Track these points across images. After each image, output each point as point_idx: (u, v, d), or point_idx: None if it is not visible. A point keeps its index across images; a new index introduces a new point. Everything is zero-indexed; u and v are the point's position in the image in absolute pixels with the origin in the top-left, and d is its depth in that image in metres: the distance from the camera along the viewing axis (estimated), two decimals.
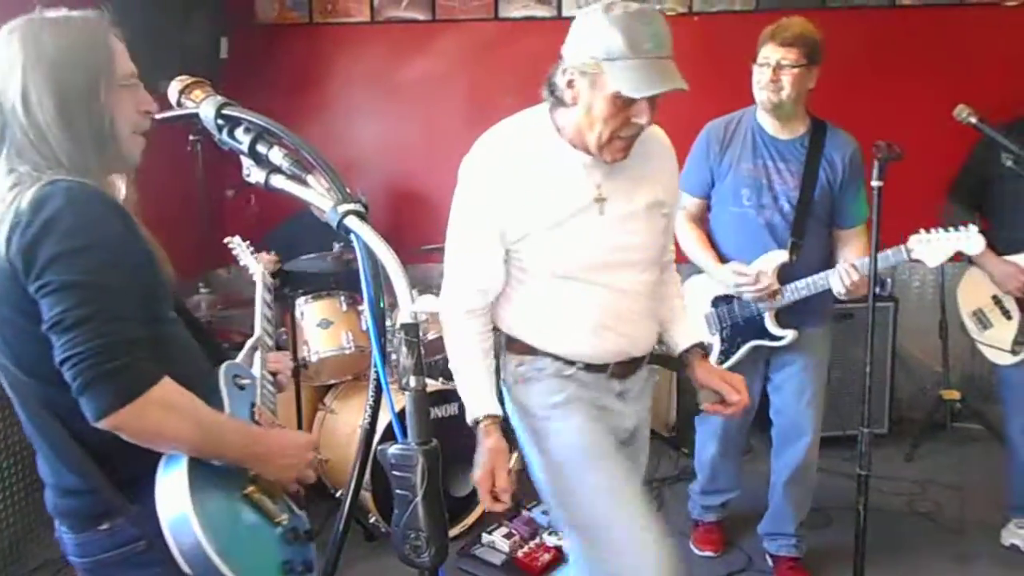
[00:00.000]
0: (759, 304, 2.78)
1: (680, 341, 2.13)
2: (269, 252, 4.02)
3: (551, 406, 1.98)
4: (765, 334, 2.81)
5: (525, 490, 3.61)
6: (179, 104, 1.10)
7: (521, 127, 1.95)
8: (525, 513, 3.41)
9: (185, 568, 1.27)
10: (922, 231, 2.56)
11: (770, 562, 3.10)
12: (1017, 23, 4.37)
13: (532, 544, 3.21)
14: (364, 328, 3.58)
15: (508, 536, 3.21)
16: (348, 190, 0.98)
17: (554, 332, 1.98)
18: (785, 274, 2.73)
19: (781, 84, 2.61)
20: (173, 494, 1.31)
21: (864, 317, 2.37)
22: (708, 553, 3.22)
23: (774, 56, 2.60)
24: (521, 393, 2.04)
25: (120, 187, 1.50)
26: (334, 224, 0.93)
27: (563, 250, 1.88)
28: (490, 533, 3.24)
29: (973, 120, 2.47)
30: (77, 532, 1.40)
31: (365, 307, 0.90)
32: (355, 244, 0.92)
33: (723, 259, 2.84)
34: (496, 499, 1.87)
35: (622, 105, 1.74)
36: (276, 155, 1.01)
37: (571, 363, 1.98)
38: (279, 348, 1.97)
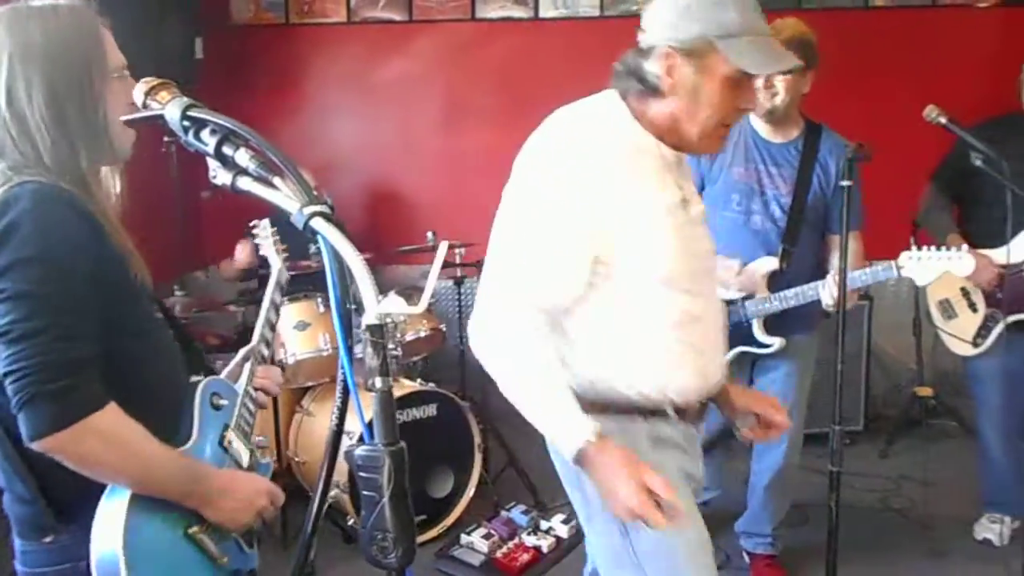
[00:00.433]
0: (748, 311, 2.76)
1: None
2: (243, 243, 4.00)
3: None
4: (752, 341, 2.79)
5: (502, 491, 3.64)
6: (145, 106, 1.09)
7: (600, 116, 1.66)
8: (504, 513, 3.41)
9: None
10: (913, 248, 2.60)
11: (747, 559, 3.12)
12: (989, 24, 4.44)
13: (511, 544, 3.21)
14: None
15: (487, 537, 3.21)
16: (315, 192, 0.97)
17: (642, 362, 1.64)
18: (776, 281, 2.71)
19: (775, 90, 2.59)
20: (107, 529, 1.26)
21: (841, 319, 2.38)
22: None
23: None
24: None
25: (113, 180, 1.46)
26: (300, 226, 0.93)
27: (662, 253, 1.60)
28: (469, 534, 3.24)
29: (943, 120, 2.49)
30: (23, 539, 1.36)
31: (332, 308, 0.90)
32: (321, 246, 0.92)
33: None
34: (661, 508, 1.45)
35: (733, 88, 1.56)
36: (242, 157, 1.00)
37: (661, 413, 1.65)
38: (273, 360, 1.88)
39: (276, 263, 2.17)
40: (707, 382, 1.71)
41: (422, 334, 3.75)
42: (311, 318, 3.56)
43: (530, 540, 3.23)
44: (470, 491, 3.50)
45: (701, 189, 2.81)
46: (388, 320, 0.84)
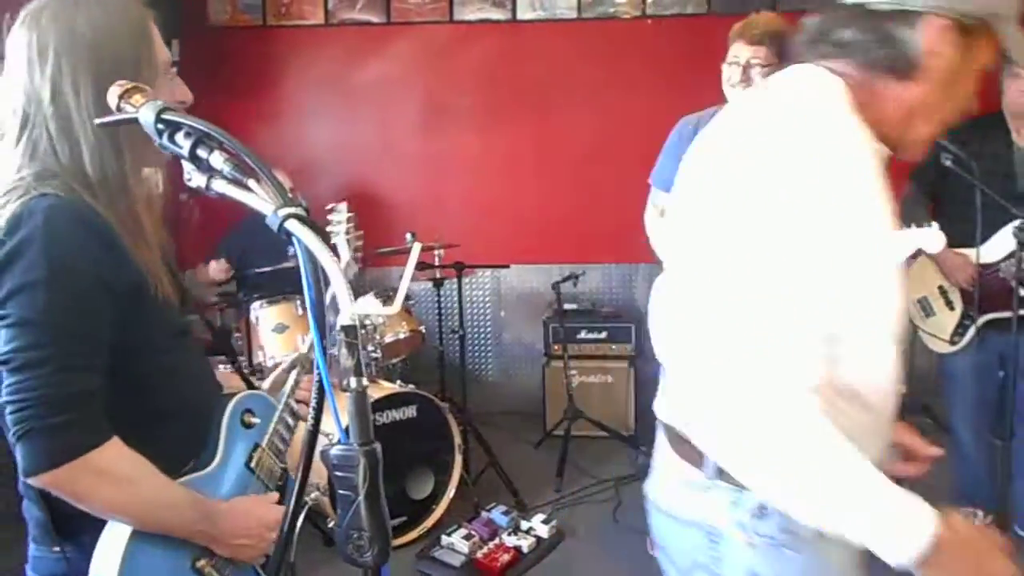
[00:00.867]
0: None
1: None
2: (218, 260, 4.02)
3: None
4: None
5: (482, 492, 3.65)
6: (119, 109, 1.08)
7: (834, 103, 1.19)
8: (484, 514, 3.42)
9: None
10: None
11: None
12: None
13: (491, 545, 3.23)
14: None
15: (467, 537, 3.22)
16: (289, 194, 0.98)
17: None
18: None
19: (752, 82, 2.62)
20: (105, 557, 1.22)
21: None
22: None
23: (744, 55, 2.62)
24: (777, 566, 1.22)
25: (157, 180, 1.39)
26: (275, 228, 0.94)
27: (895, 300, 1.18)
28: (449, 535, 3.25)
29: None
30: (36, 544, 1.33)
31: (308, 309, 0.90)
32: (296, 248, 0.92)
33: None
34: None
35: (976, 82, 1.24)
36: (217, 159, 1.00)
37: None
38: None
39: (344, 256, 1.99)
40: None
41: (401, 336, 3.75)
42: (289, 320, 3.56)
43: (511, 540, 3.25)
44: (450, 492, 3.51)
45: None
46: (364, 321, 0.85)
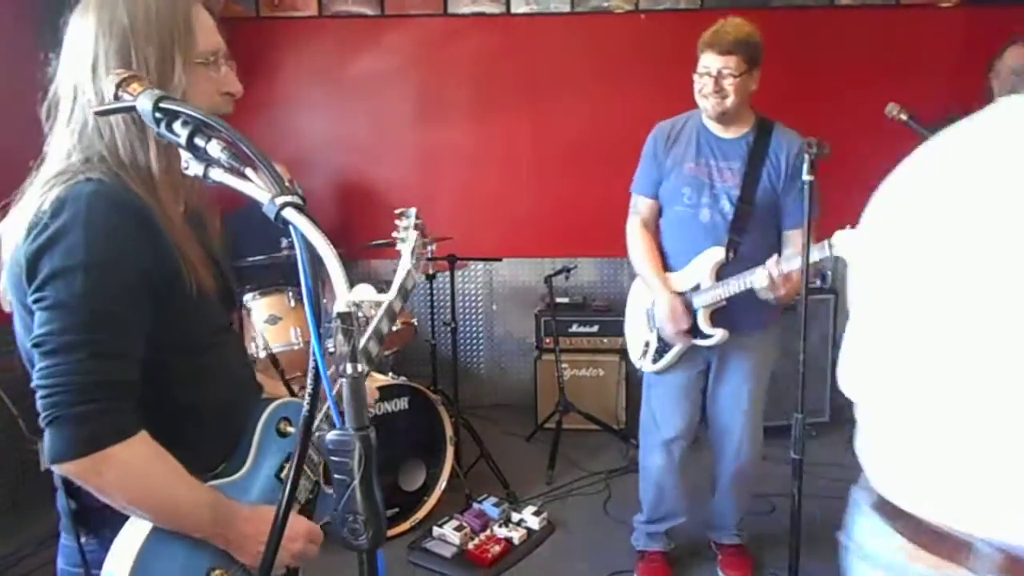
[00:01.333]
0: (694, 302, 2.76)
1: None
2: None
3: None
4: (697, 332, 2.79)
5: (473, 484, 3.67)
6: (116, 98, 1.09)
7: None
8: (475, 506, 3.44)
9: None
10: (848, 227, 2.42)
11: (715, 549, 3.17)
12: (951, 23, 4.52)
13: (483, 536, 3.25)
14: None
15: (459, 529, 3.24)
16: (286, 183, 0.99)
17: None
18: (725, 273, 2.71)
19: (725, 92, 2.61)
20: (119, 555, 1.19)
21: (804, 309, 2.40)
22: None
23: (715, 65, 2.59)
24: None
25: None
26: (272, 216, 0.94)
27: None
28: (441, 526, 3.26)
29: (903, 117, 2.55)
30: (66, 533, 1.30)
31: (304, 298, 0.91)
32: (293, 236, 0.93)
33: (665, 258, 2.86)
34: None
35: None
36: (214, 148, 1.01)
37: None
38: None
39: (405, 265, 1.86)
40: None
41: (393, 328, 3.75)
42: (282, 312, 3.56)
43: (502, 532, 3.27)
44: (442, 484, 3.52)
45: (660, 185, 2.85)
46: (359, 308, 0.86)
